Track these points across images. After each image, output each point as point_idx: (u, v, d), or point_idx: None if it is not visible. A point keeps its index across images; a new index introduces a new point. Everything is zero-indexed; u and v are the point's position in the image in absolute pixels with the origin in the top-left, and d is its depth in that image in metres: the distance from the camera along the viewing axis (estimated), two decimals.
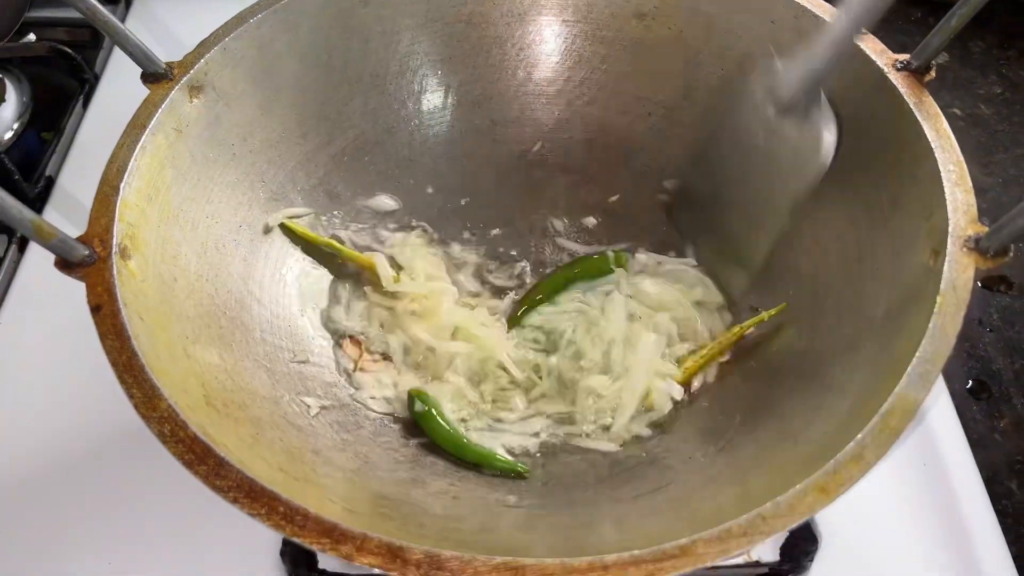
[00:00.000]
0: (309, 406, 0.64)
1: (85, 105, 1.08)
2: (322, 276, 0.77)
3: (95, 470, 0.75)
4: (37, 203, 0.96)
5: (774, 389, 0.64)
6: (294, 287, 0.73)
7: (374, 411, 0.69)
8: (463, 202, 0.85)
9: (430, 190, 0.84)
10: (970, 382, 0.87)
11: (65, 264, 0.53)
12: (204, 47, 0.66)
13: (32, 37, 1.13)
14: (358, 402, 0.70)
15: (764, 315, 0.71)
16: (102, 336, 0.50)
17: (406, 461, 0.64)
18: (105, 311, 0.51)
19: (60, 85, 1.10)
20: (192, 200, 0.64)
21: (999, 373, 0.86)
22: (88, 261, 0.53)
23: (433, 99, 0.82)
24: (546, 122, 0.84)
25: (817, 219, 0.69)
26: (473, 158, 0.85)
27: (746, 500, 0.51)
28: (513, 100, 0.83)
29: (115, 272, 0.53)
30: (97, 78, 1.10)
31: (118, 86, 1.08)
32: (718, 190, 0.77)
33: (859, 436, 0.46)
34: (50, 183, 0.98)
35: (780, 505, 0.44)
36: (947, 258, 0.52)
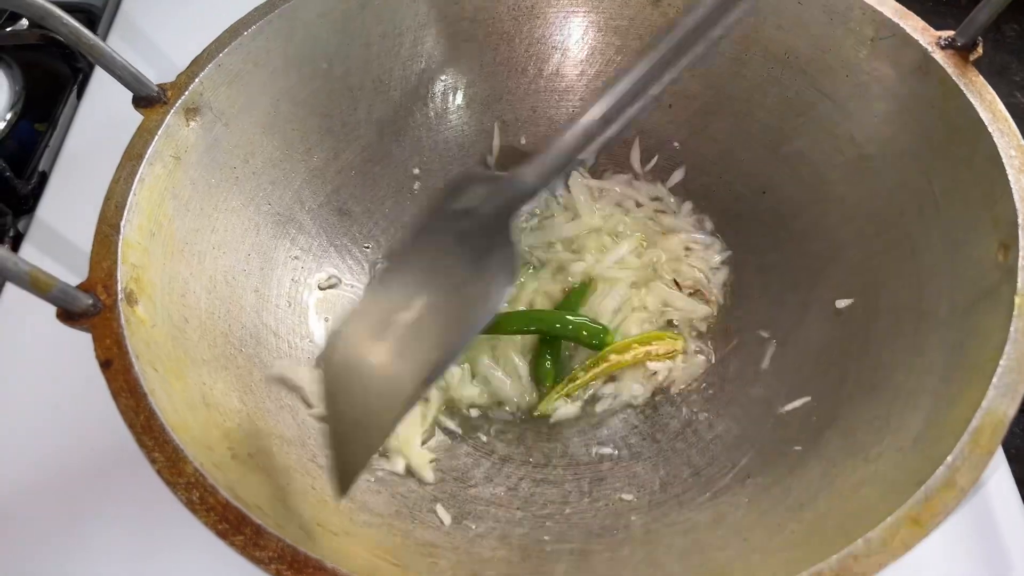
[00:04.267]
0: None
1: (79, 95, 1.02)
2: (340, 295, 0.73)
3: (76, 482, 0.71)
4: (30, 200, 0.91)
5: (827, 398, 0.61)
6: (312, 314, 0.69)
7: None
8: None
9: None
10: None
11: (68, 315, 0.49)
12: (197, 65, 0.61)
13: (24, 23, 1.06)
14: None
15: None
16: (115, 394, 0.46)
17: (445, 497, 0.60)
18: (116, 366, 0.47)
19: (54, 73, 1.04)
20: (197, 231, 0.60)
21: None
22: (92, 311, 0.49)
23: (441, 103, 0.77)
24: (560, 119, 0.80)
25: (859, 209, 0.66)
26: (487, 161, 0.80)
27: (820, 529, 0.48)
28: (524, 98, 0.79)
29: (123, 321, 0.49)
30: (92, 67, 1.04)
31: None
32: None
33: (948, 459, 0.43)
34: (43, 179, 0.93)
35: (872, 542, 0.41)
36: (1020, 253, 0.48)
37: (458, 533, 0.57)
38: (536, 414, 0.70)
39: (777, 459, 0.59)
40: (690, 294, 0.75)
